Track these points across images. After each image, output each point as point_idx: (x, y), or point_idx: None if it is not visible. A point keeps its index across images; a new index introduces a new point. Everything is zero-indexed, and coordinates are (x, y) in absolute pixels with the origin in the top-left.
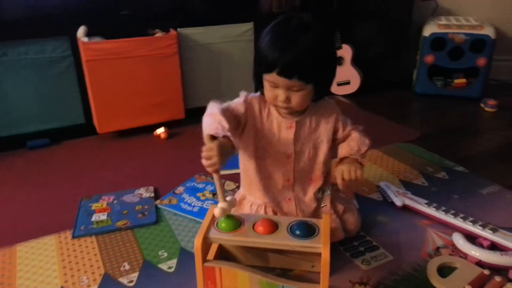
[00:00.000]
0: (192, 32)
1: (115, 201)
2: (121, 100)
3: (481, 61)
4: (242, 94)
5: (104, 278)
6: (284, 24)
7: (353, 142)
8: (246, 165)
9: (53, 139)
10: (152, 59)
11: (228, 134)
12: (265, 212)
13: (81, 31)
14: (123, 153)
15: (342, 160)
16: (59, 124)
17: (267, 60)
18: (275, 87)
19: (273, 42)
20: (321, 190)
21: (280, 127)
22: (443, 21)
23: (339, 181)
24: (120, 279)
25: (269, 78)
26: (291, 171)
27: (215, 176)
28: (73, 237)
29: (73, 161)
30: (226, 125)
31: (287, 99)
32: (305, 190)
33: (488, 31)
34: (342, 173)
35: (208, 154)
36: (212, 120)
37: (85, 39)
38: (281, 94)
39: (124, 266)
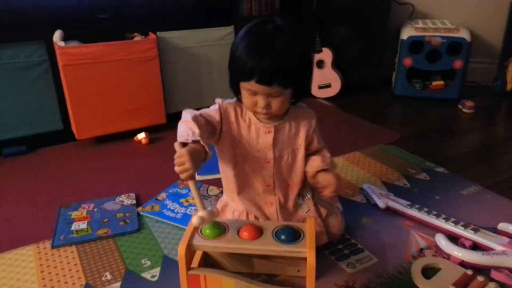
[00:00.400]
0: (172, 36)
1: (95, 209)
2: (100, 106)
3: (458, 64)
4: (217, 102)
5: None
6: (258, 29)
7: (327, 159)
8: (225, 171)
9: (30, 146)
10: (132, 63)
11: (198, 138)
12: (247, 218)
13: (57, 35)
14: (103, 160)
15: (319, 171)
16: (36, 130)
17: (244, 69)
18: (254, 94)
19: (249, 49)
20: (300, 195)
21: (259, 132)
22: (420, 24)
23: (329, 190)
24: None
25: (247, 86)
26: (271, 176)
27: (190, 183)
28: (52, 247)
29: (51, 168)
30: (196, 130)
31: (267, 105)
32: (286, 195)
33: (464, 34)
34: (332, 182)
35: (180, 161)
36: (183, 127)
37: (62, 44)
38: (260, 100)
39: (106, 276)
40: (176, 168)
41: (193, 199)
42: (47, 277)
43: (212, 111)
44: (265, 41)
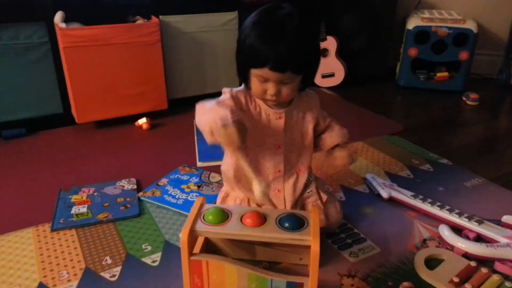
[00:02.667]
0: (175, 20)
1: (95, 193)
2: (101, 89)
3: (463, 55)
4: (226, 91)
5: (85, 272)
6: (269, 16)
7: (339, 131)
8: (231, 161)
9: (29, 129)
10: (133, 47)
11: (236, 117)
12: (249, 205)
13: (58, 16)
14: (103, 144)
15: (333, 148)
16: (35, 113)
17: (258, 56)
18: (265, 81)
19: (262, 36)
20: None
21: (269, 117)
22: (426, 14)
23: (341, 163)
24: (102, 274)
25: (259, 73)
26: (282, 161)
27: (238, 155)
28: (52, 230)
29: (51, 151)
30: (229, 111)
31: (278, 92)
32: (295, 181)
33: (471, 25)
34: (343, 158)
35: (229, 137)
36: (216, 113)
37: (63, 25)
38: (271, 88)
39: (106, 260)
40: (223, 141)
41: (194, 185)
42: (46, 260)
43: (226, 99)
44: (277, 28)
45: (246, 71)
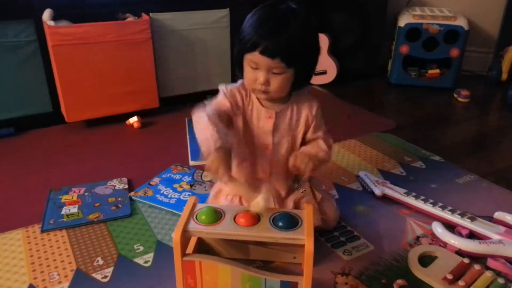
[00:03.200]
0: (166, 17)
1: (86, 193)
2: (91, 88)
3: (454, 52)
4: (221, 89)
5: (77, 273)
6: (272, 8)
7: (316, 148)
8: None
9: (18, 128)
10: (124, 45)
11: (219, 145)
12: (240, 203)
13: (46, 14)
14: (93, 143)
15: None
16: (24, 112)
17: (251, 39)
18: (256, 68)
19: (259, 22)
20: (296, 180)
21: (259, 116)
22: (417, 11)
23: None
24: (94, 275)
25: (251, 58)
26: (269, 162)
27: (230, 184)
28: (42, 231)
29: (40, 151)
30: (216, 138)
31: (267, 82)
32: (281, 183)
33: (462, 22)
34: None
35: (212, 167)
36: (204, 137)
37: (51, 23)
38: (261, 76)
39: (98, 261)
40: (210, 174)
41: (186, 184)
42: (36, 261)
43: (221, 100)
44: (276, 17)
45: (241, 58)
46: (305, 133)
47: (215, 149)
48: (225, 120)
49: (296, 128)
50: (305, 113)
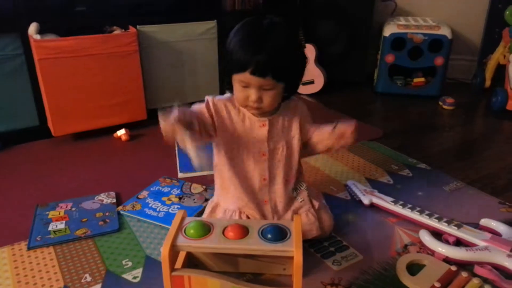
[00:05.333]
0: (153, 30)
1: (73, 209)
2: (78, 101)
3: (439, 61)
4: (206, 98)
5: None
6: (255, 24)
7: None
8: (221, 169)
9: (4, 142)
10: (111, 58)
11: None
12: (240, 217)
13: (32, 28)
14: (81, 157)
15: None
16: (10, 126)
17: (239, 60)
18: (246, 86)
19: (245, 41)
20: (294, 188)
21: (253, 125)
22: (402, 21)
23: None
24: None
25: (240, 78)
26: (266, 169)
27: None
28: (29, 248)
29: (27, 166)
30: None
31: (259, 99)
32: (281, 190)
33: (445, 31)
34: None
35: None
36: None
37: (37, 37)
38: (252, 94)
39: (86, 277)
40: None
41: (175, 197)
42: (23, 280)
43: (200, 107)
44: (260, 34)
45: (229, 76)
46: (297, 138)
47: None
48: (199, 121)
49: (289, 133)
50: (296, 117)
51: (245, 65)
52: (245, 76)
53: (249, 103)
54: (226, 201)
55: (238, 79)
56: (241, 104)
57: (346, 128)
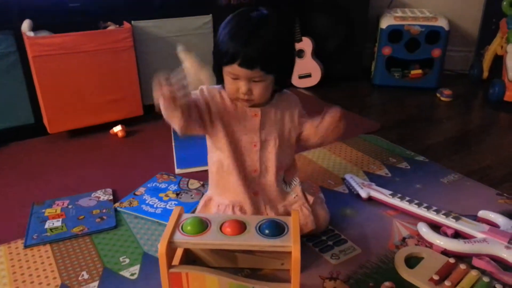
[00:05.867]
0: (148, 25)
1: (70, 206)
2: (73, 98)
3: (436, 52)
4: (200, 87)
5: None
6: (244, 16)
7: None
8: (219, 157)
9: None
10: (106, 54)
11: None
12: (233, 211)
13: (25, 25)
14: (77, 154)
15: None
16: (5, 124)
17: (227, 52)
18: (236, 78)
19: (233, 33)
20: (287, 183)
21: (245, 115)
22: (399, 13)
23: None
24: None
25: (230, 70)
26: (257, 160)
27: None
28: (25, 246)
29: (23, 163)
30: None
31: (249, 91)
32: (272, 183)
33: (442, 23)
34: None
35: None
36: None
37: (31, 34)
38: (242, 86)
39: (83, 275)
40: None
41: (172, 193)
42: (19, 278)
43: (195, 93)
44: (250, 27)
45: (220, 69)
46: (290, 131)
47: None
48: (194, 110)
49: (282, 125)
50: (288, 109)
51: (234, 57)
52: (234, 68)
53: (240, 95)
54: (220, 195)
55: (227, 71)
56: (231, 97)
57: (332, 116)
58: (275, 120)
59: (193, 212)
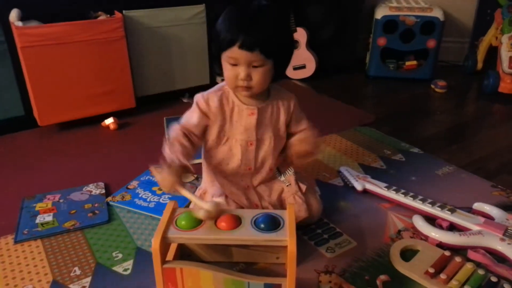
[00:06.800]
0: (139, 15)
1: (61, 200)
2: (64, 90)
3: (431, 43)
4: (196, 99)
5: (53, 285)
6: (243, 5)
7: (309, 139)
8: (208, 155)
9: None
10: (96, 44)
11: (185, 163)
12: (227, 203)
13: (13, 14)
14: (68, 147)
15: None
16: None
17: (227, 36)
18: (235, 64)
19: (233, 18)
20: (281, 173)
21: (242, 114)
22: (394, 3)
23: (302, 149)
24: (71, 286)
25: (229, 54)
26: (253, 158)
27: (180, 191)
28: (15, 242)
29: (12, 157)
30: (181, 158)
31: (248, 77)
32: (266, 177)
33: (437, 13)
34: (304, 141)
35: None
36: (171, 151)
37: (19, 24)
38: (242, 71)
39: (75, 271)
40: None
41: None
42: (9, 274)
43: (193, 115)
44: (249, 13)
45: (219, 57)
46: (287, 126)
47: (167, 166)
48: (198, 131)
49: (277, 123)
50: (284, 106)
51: (234, 39)
52: (234, 51)
53: (239, 82)
54: (213, 188)
55: (227, 56)
56: (231, 86)
57: (309, 135)
58: (271, 118)
59: (187, 206)
